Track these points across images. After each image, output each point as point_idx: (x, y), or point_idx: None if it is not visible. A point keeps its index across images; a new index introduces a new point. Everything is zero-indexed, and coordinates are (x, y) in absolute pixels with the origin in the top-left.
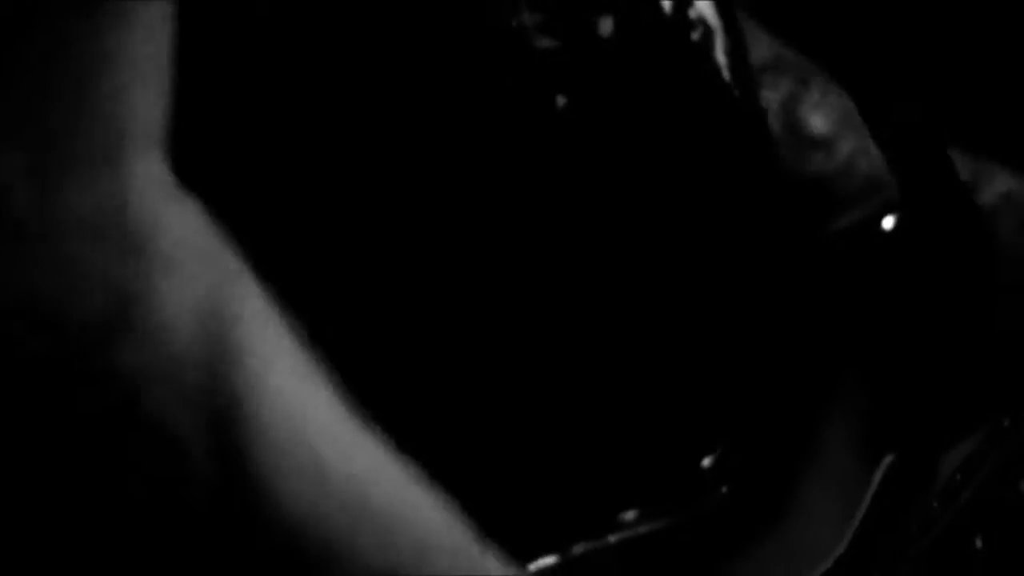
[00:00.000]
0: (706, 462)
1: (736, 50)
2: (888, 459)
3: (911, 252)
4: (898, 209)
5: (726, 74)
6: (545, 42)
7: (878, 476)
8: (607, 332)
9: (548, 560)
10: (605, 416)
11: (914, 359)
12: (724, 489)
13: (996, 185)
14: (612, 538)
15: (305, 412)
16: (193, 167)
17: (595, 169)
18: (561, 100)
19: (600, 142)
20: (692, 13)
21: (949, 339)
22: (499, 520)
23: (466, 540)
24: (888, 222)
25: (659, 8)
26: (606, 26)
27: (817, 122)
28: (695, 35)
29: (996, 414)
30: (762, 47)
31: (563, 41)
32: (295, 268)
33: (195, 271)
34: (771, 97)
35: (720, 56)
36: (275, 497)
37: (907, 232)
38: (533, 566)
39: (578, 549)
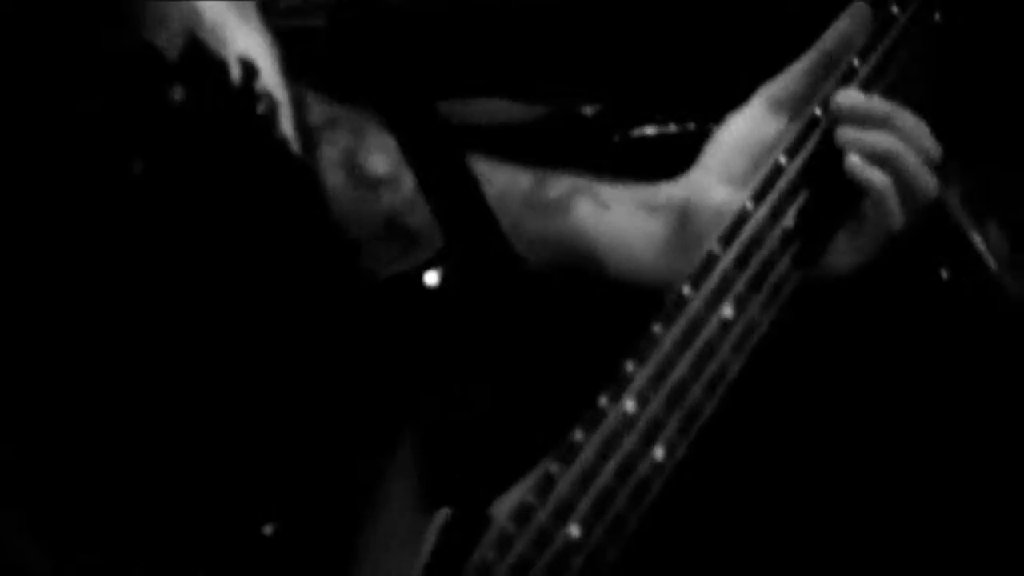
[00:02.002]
0: (267, 529)
1: (299, 118)
2: (444, 511)
3: (454, 306)
4: (441, 262)
5: (292, 145)
6: (120, 107)
7: (435, 529)
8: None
9: None
10: (164, 481)
11: (461, 413)
12: (288, 552)
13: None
14: None
15: None
16: None
17: (168, 226)
18: (138, 164)
19: (174, 202)
20: (258, 86)
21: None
22: None
23: None
24: (431, 276)
25: (227, 79)
26: (177, 94)
27: (378, 164)
28: (260, 107)
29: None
30: (317, 109)
31: (137, 106)
32: None
33: None
34: (330, 153)
35: (284, 126)
36: None
37: (450, 286)
38: None
39: None
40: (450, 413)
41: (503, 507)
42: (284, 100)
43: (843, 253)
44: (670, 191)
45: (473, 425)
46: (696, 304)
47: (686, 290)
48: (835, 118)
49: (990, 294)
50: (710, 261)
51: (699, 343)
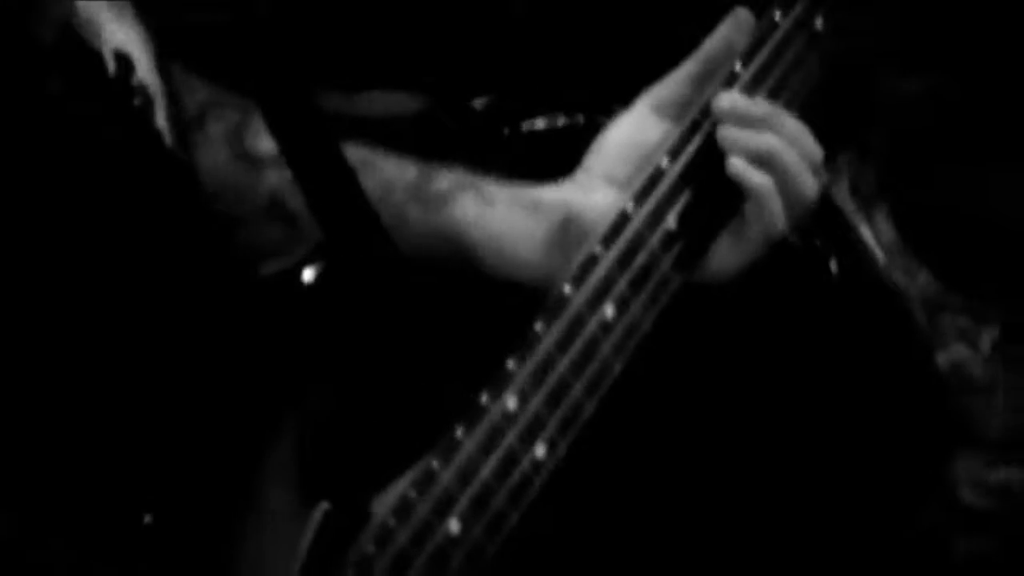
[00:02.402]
0: (147, 519)
1: (174, 110)
2: (323, 505)
3: (332, 302)
4: (320, 258)
5: (166, 137)
6: None
7: (314, 523)
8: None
9: None
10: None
11: (342, 408)
12: (168, 542)
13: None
14: None
15: None
16: None
17: (40, 216)
18: (13, 151)
19: (47, 192)
20: (134, 80)
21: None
22: None
23: None
24: (308, 273)
25: (103, 72)
26: (54, 84)
27: (263, 143)
28: (136, 100)
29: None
30: (205, 90)
31: (10, 98)
32: None
33: None
34: (216, 128)
35: (160, 119)
36: None
37: (328, 283)
38: None
39: None
40: (330, 408)
41: (384, 502)
42: (159, 93)
43: (725, 256)
44: (553, 192)
45: (353, 420)
46: (577, 304)
47: (567, 290)
48: (717, 120)
49: (878, 286)
50: (591, 261)
51: (580, 343)
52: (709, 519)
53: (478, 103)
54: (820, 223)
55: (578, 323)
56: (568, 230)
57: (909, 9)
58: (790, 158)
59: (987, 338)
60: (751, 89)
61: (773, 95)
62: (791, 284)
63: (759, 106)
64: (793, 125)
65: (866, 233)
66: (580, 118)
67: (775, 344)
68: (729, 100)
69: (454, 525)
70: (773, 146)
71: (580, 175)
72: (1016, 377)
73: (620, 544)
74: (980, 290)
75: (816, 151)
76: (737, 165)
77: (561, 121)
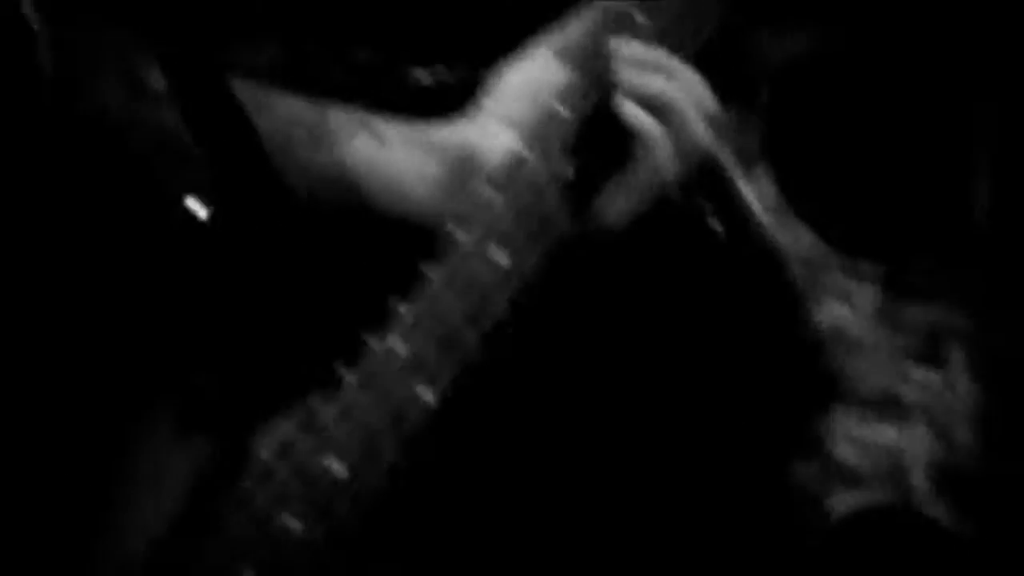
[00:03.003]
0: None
1: (57, 45)
2: (204, 444)
3: (221, 237)
4: (208, 194)
5: (48, 69)
6: None
7: (196, 461)
8: None
9: None
10: None
11: (227, 346)
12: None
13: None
14: None
15: None
16: None
17: None
18: None
19: None
20: (15, 15)
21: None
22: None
23: None
24: (202, 211)
25: None
26: None
27: (158, 79)
28: (18, 35)
29: (304, 396)
30: (101, 30)
31: None
32: None
33: None
34: (110, 66)
35: (43, 54)
36: None
37: (217, 217)
38: None
39: None
40: (215, 347)
41: (266, 441)
42: (43, 30)
43: (615, 203)
44: (449, 132)
45: (237, 359)
46: (466, 246)
47: (457, 232)
48: (614, 67)
49: (758, 245)
50: (483, 204)
51: (467, 285)
52: (588, 470)
53: (361, 55)
54: (702, 181)
55: (466, 266)
56: (463, 171)
57: None
58: (684, 106)
59: (866, 298)
60: (651, 39)
61: (673, 48)
62: (673, 240)
63: (658, 55)
64: (688, 74)
65: (747, 192)
66: (461, 72)
67: (656, 299)
68: (629, 48)
69: (335, 464)
70: (666, 91)
71: (477, 116)
72: (894, 336)
73: (516, 512)
74: (860, 249)
75: (710, 101)
76: (631, 109)
77: (443, 73)
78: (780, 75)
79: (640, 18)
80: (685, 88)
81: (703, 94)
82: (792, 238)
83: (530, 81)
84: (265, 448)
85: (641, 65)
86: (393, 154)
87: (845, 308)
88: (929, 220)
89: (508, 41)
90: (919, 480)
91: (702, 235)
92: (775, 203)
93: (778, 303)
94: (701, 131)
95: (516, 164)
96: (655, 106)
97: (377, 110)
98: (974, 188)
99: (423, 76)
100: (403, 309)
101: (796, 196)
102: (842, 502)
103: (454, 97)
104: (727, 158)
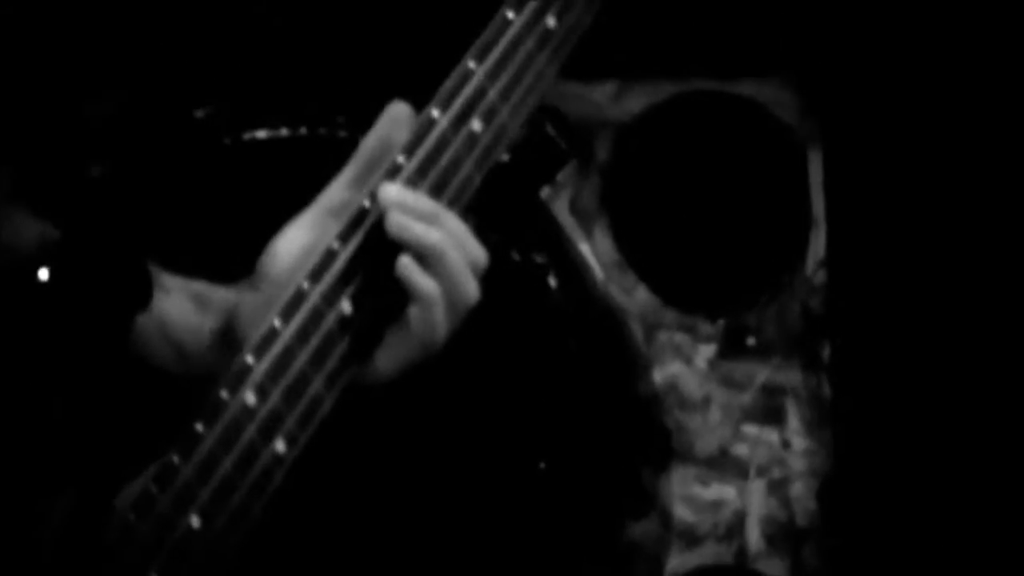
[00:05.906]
0: None
1: None
2: (69, 498)
3: (66, 302)
4: (55, 258)
5: None
6: None
7: (60, 513)
8: None
9: None
10: None
11: (82, 402)
12: None
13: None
14: None
15: None
16: None
17: None
18: None
19: None
20: None
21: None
22: None
23: None
24: (43, 273)
25: None
26: None
27: None
28: None
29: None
30: None
31: None
32: None
33: None
34: None
35: None
36: None
37: (61, 283)
38: None
39: None
40: (71, 401)
41: (126, 496)
42: None
43: (387, 354)
44: (225, 292)
45: (96, 416)
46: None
47: (249, 359)
48: (383, 209)
49: (594, 303)
50: (272, 334)
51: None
52: (433, 533)
53: (200, 112)
54: (540, 238)
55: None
56: (235, 331)
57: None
58: (456, 257)
59: (703, 355)
60: (415, 181)
61: (436, 190)
62: (509, 299)
63: (424, 201)
64: (456, 224)
65: (585, 249)
66: (302, 130)
67: (491, 359)
68: (394, 191)
69: (195, 519)
70: (439, 242)
71: (254, 278)
72: (730, 394)
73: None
74: (697, 305)
75: (480, 254)
76: (407, 266)
77: (283, 132)
78: (620, 133)
79: (403, 160)
80: (454, 236)
81: (473, 246)
82: (629, 295)
83: (304, 240)
84: (126, 504)
85: (409, 209)
86: (171, 303)
87: (682, 365)
88: (764, 276)
89: (349, 102)
90: (754, 537)
91: (539, 294)
92: (613, 260)
93: (615, 361)
94: (472, 287)
95: (296, 297)
96: (428, 259)
97: (212, 167)
98: (808, 243)
99: (261, 134)
100: (253, 362)
101: (634, 253)
102: (679, 562)
103: (291, 155)
104: (563, 216)
